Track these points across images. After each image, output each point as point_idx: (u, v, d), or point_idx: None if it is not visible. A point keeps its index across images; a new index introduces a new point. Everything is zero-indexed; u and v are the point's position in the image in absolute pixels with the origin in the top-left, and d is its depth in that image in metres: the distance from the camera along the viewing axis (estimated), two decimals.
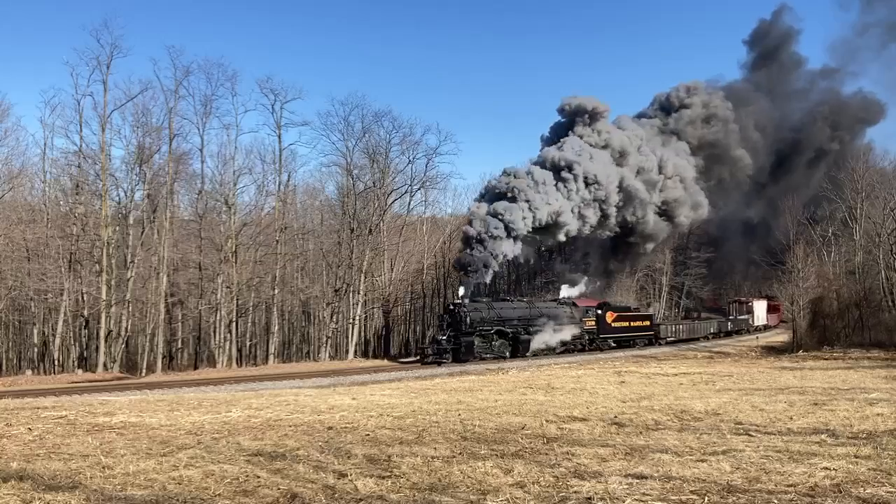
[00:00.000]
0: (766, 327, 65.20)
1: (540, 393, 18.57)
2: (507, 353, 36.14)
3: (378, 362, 40.58)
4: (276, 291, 45.00)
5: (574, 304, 41.29)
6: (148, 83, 42.20)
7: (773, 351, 43.16)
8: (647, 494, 6.86)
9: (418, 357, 37.17)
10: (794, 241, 44.84)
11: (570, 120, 50.47)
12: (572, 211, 44.90)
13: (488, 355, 35.17)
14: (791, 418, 12.72)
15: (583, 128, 48.85)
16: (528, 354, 36.49)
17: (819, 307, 43.42)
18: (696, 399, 16.31)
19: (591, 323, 41.13)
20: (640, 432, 11.11)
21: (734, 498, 6.73)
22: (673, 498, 6.76)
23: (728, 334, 57.15)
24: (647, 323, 45.59)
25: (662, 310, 62.07)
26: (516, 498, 6.79)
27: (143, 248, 41.31)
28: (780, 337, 51.75)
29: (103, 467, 8.35)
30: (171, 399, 17.61)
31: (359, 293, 47.89)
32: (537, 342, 37.44)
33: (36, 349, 40.90)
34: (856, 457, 8.76)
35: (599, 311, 41.80)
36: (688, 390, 19.19)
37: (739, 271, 68.45)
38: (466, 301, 35.51)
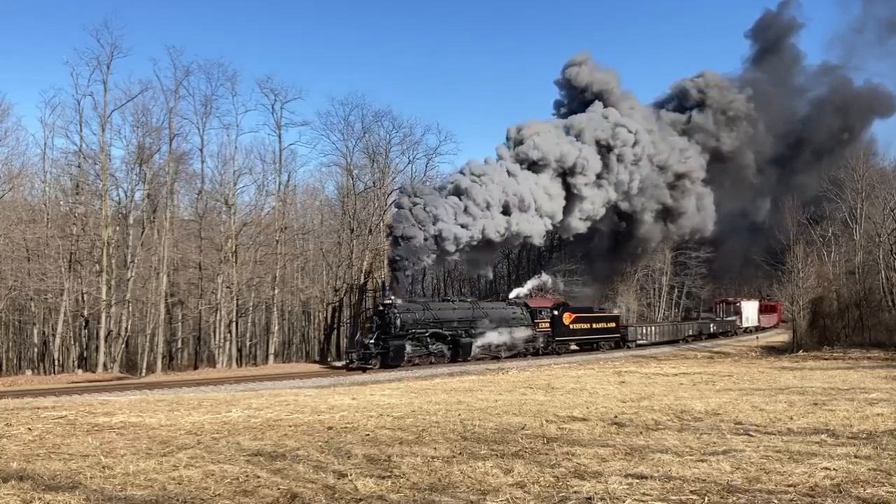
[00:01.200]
0: (758, 328, 61.98)
1: (540, 393, 18.57)
2: (446, 358, 33.24)
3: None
4: (276, 291, 45.01)
5: (525, 305, 37.99)
6: (148, 83, 42.23)
7: (773, 351, 43.16)
8: (647, 494, 6.87)
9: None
10: (794, 241, 44.79)
11: (582, 99, 50.01)
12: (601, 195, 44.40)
13: (423, 360, 32.44)
14: (791, 418, 12.72)
15: (605, 108, 48.29)
16: (469, 359, 33.66)
17: (819, 307, 43.40)
18: (696, 399, 16.32)
19: (544, 325, 37.89)
20: (640, 432, 11.12)
21: (734, 498, 6.74)
22: (673, 498, 6.76)
23: (711, 336, 53.81)
24: (613, 325, 42.40)
25: (662, 309, 61.97)
26: (516, 498, 6.79)
27: (143, 248, 41.30)
28: (780, 337, 51.72)
29: (103, 467, 8.35)
30: (171, 399, 17.61)
31: (359, 292, 47.90)
32: (480, 345, 34.49)
33: (36, 349, 40.89)
34: (856, 457, 8.77)
35: (556, 312, 38.51)
36: (688, 390, 19.19)
37: (739, 271, 68.18)
38: (398, 302, 32.50)
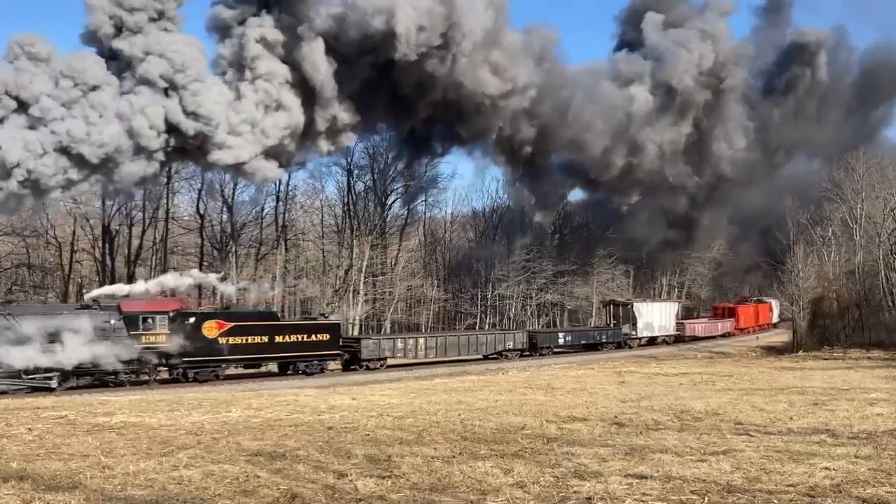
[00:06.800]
0: (680, 339, 47.72)
1: (540, 393, 18.58)
2: None
3: None
4: (276, 291, 44.98)
5: (117, 309, 24.37)
6: None
7: (773, 351, 43.21)
8: (647, 494, 6.87)
9: None
10: (794, 241, 44.83)
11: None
12: None
13: None
14: (791, 418, 12.74)
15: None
16: None
17: (819, 307, 43.45)
18: (696, 399, 16.33)
19: (157, 338, 24.59)
20: (640, 432, 11.13)
21: (734, 498, 6.75)
22: (673, 498, 6.77)
23: (566, 351, 40.17)
24: (325, 337, 29.26)
25: None
26: (516, 498, 6.80)
27: (143, 247, 41.34)
28: (780, 337, 51.70)
29: (103, 467, 8.36)
30: (171, 399, 17.63)
31: (359, 293, 47.88)
32: None
33: None
34: (856, 457, 8.78)
35: (191, 320, 25.52)
36: (688, 390, 19.20)
37: (744, 270, 67.98)
38: None
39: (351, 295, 47.51)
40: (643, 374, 26.52)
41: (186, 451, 9.41)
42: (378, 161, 50.92)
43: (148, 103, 27.84)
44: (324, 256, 51.14)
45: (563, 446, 9.73)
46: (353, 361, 30.33)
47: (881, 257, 42.13)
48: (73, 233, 40.52)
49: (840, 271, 46.09)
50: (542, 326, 52.27)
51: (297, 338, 28.79)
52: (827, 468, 8.01)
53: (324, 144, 36.10)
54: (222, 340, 26.27)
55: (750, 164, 53.83)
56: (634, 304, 45.85)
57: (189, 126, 28.82)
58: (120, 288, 27.34)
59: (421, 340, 33.42)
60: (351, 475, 7.78)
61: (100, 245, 40.41)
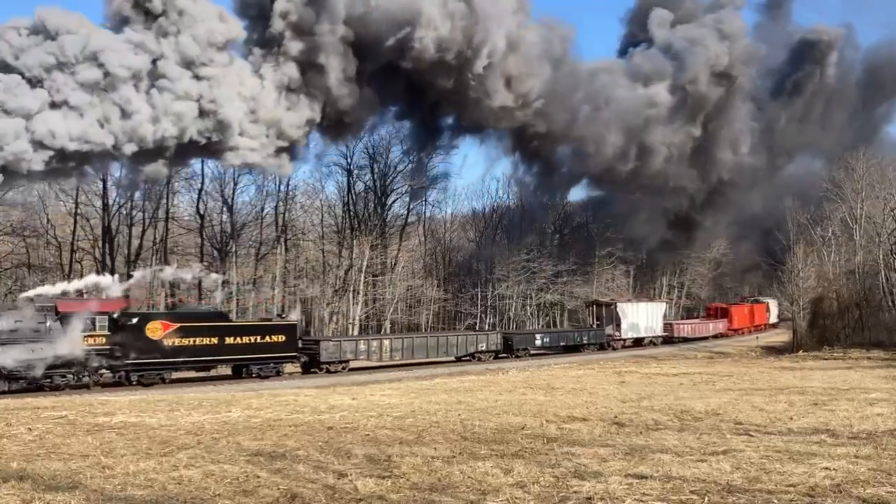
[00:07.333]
0: (668, 340, 46.25)
1: (540, 393, 18.59)
2: None
3: None
4: (276, 291, 45.01)
5: (54, 309, 23.15)
6: None
7: (772, 351, 43.23)
8: (647, 494, 6.88)
9: None
10: (794, 241, 44.86)
11: None
12: None
13: None
14: (791, 418, 12.74)
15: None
16: None
17: (819, 307, 43.48)
18: (696, 399, 16.33)
19: (96, 339, 23.48)
20: (640, 432, 11.13)
21: (734, 498, 6.75)
22: (673, 498, 6.77)
23: (548, 351, 38.60)
24: (281, 339, 28.06)
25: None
26: (516, 498, 6.80)
27: (144, 247, 41.34)
28: (780, 337, 51.71)
29: (103, 467, 8.36)
30: (171, 399, 17.64)
31: (359, 294, 47.92)
32: None
33: None
34: (856, 457, 8.78)
35: (134, 321, 24.46)
36: (688, 390, 19.21)
37: (739, 271, 68.05)
38: None
39: (351, 295, 47.50)
40: (643, 374, 26.53)
41: (186, 451, 9.42)
42: (378, 161, 50.94)
43: (169, 103, 27.46)
44: (324, 256, 51.09)
45: (563, 446, 9.74)
46: (313, 364, 28.91)
47: (881, 257, 42.14)
48: (73, 233, 40.51)
49: (840, 271, 46.10)
50: (543, 326, 52.25)
51: (250, 339, 27.55)
52: (827, 468, 8.01)
53: (332, 134, 36.41)
54: (168, 342, 25.00)
55: (754, 168, 53.81)
56: (618, 304, 44.02)
57: (203, 137, 28.78)
58: (48, 288, 25.85)
59: (385, 342, 31.64)
60: (351, 475, 7.78)
61: (100, 245, 40.40)
